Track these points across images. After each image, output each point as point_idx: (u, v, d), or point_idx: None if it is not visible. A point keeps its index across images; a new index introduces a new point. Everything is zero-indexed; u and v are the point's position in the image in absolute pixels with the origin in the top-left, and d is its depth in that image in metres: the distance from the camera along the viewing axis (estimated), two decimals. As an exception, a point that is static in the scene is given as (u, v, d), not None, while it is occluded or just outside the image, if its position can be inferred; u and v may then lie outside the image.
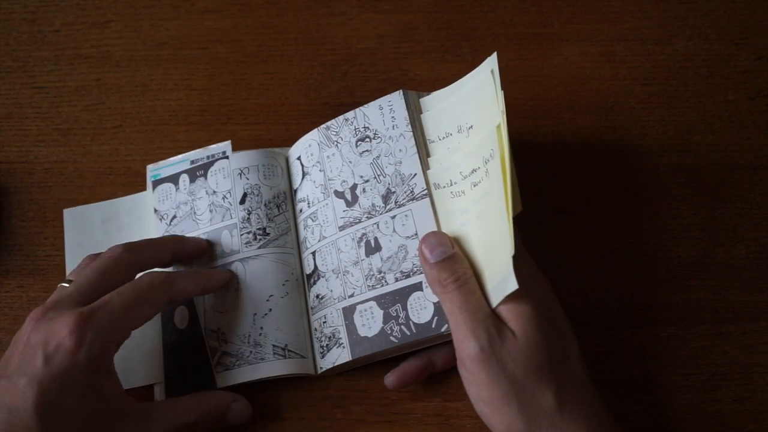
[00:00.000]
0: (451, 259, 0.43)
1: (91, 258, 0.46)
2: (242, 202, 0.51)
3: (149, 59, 0.58)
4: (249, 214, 0.50)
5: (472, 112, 0.47)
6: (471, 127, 0.47)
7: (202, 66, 0.58)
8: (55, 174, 0.55)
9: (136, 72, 0.58)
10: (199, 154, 0.53)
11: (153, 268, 0.47)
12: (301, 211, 0.51)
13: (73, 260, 0.52)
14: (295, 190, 0.52)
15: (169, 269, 0.50)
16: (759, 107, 0.55)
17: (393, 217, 0.47)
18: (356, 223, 0.48)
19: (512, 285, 0.39)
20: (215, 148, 0.52)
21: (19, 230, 0.54)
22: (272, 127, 0.56)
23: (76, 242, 0.53)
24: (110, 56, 0.59)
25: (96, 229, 0.53)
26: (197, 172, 0.52)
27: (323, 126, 0.51)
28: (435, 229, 0.46)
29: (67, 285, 0.44)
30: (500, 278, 0.41)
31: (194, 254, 0.49)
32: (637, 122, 0.55)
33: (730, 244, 0.51)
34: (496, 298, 0.42)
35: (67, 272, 0.52)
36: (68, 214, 0.53)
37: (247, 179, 0.51)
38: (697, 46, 0.57)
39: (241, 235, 0.50)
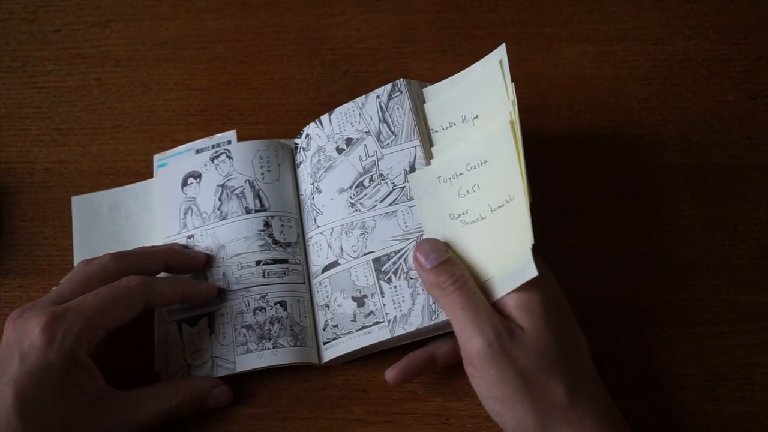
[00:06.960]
0: (448, 263, 0.43)
1: (84, 263, 0.47)
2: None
3: (149, 59, 0.58)
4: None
5: (477, 102, 0.47)
6: (476, 117, 0.47)
7: (202, 66, 0.58)
8: (55, 174, 0.55)
9: (136, 72, 0.58)
10: (204, 143, 0.53)
11: None
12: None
13: (80, 248, 0.52)
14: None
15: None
16: (759, 107, 0.55)
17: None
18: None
19: (531, 272, 0.39)
20: (221, 137, 0.53)
21: (19, 230, 0.54)
22: (272, 127, 0.56)
23: (84, 229, 0.53)
24: (110, 56, 0.59)
25: (103, 217, 0.53)
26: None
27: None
28: (437, 223, 0.46)
29: None
30: (516, 267, 0.41)
31: (189, 269, 0.49)
32: (637, 122, 0.55)
33: (730, 244, 0.51)
34: (508, 286, 0.41)
35: (75, 261, 0.52)
36: (76, 201, 0.53)
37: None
38: (697, 46, 0.57)
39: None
